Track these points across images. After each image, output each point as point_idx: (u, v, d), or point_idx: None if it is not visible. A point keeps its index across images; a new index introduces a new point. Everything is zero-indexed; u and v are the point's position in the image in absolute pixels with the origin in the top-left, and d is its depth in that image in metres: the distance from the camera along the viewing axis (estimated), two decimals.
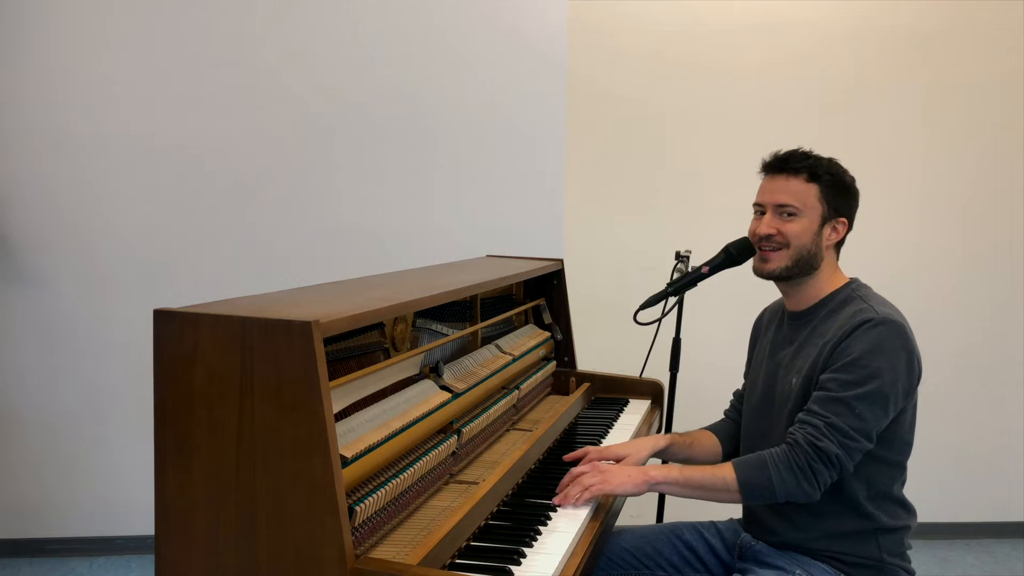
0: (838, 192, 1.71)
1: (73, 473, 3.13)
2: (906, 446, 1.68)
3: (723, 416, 2.04)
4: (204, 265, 3.09)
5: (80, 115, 3.00)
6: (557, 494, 1.64)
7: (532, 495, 1.68)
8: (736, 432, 1.97)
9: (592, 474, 1.65)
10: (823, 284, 1.74)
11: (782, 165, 1.73)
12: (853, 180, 1.75)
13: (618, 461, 1.76)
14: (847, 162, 1.77)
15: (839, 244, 1.76)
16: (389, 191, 3.16)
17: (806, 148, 1.75)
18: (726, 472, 1.61)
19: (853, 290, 1.72)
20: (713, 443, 1.96)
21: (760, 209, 1.77)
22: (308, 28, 3.07)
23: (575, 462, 1.80)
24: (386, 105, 3.12)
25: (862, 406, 1.56)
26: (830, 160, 1.74)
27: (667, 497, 2.21)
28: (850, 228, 1.75)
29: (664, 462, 2.00)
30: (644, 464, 1.75)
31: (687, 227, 3.21)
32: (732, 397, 2.05)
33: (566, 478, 1.68)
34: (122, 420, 3.10)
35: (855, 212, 1.76)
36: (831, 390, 1.59)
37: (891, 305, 1.68)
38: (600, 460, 1.76)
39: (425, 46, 3.12)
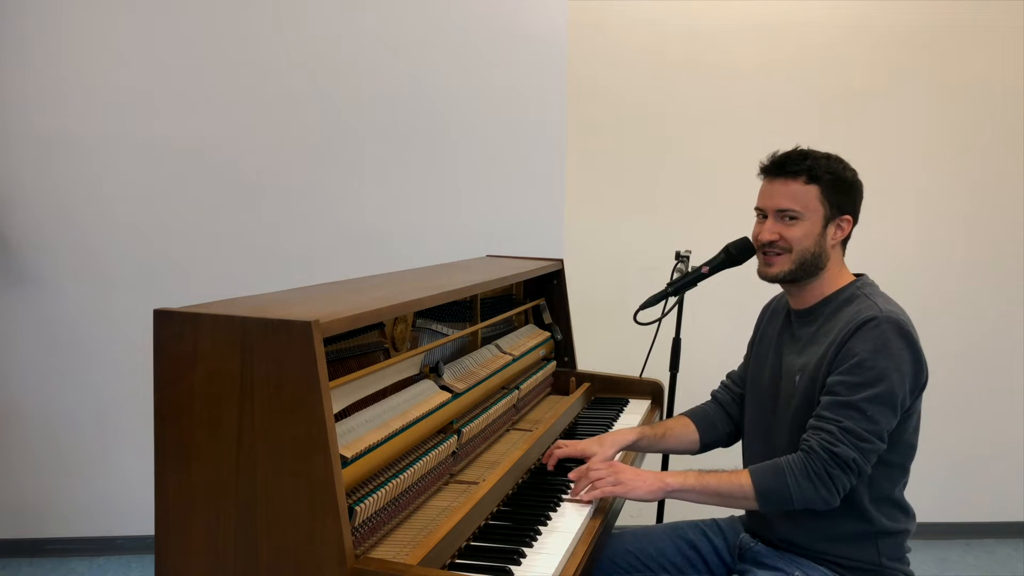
0: (839, 190, 1.67)
1: (73, 473, 3.13)
2: (910, 449, 1.67)
3: (711, 398, 2.02)
4: (206, 265, 3.08)
5: (83, 115, 3.00)
6: (569, 486, 1.69)
7: (532, 494, 1.68)
8: (720, 415, 1.96)
9: (607, 474, 1.65)
10: (829, 282, 1.71)
11: (780, 168, 1.69)
12: (855, 174, 1.71)
13: (587, 458, 1.79)
14: (848, 162, 1.75)
15: (845, 241, 1.73)
16: (389, 191, 3.16)
17: (804, 147, 1.71)
18: (743, 479, 1.61)
19: (858, 288, 1.70)
20: (688, 432, 1.94)
21: (762, 213, 1.74)
22: (306, 29, 3.07)
23: (574, 462, 1.81)
24: (386, 105, 3.12)
25: (872, 408, 1.55)
26: (828, 157, 1.69)
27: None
28: (855, 222, 1.72)
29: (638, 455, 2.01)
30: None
31: (687, 227, 3.20)
32: (725, 379, 2.03)
33: (578, 473, 1.69)
34: (122, 420, 3.10)
35: (859, 206, 1.72)
36: (840, 394, 1.57)
37: (895, 304, 1.67)
38: (566, 455, 1.84)
39: (424, 46, 3.12)
